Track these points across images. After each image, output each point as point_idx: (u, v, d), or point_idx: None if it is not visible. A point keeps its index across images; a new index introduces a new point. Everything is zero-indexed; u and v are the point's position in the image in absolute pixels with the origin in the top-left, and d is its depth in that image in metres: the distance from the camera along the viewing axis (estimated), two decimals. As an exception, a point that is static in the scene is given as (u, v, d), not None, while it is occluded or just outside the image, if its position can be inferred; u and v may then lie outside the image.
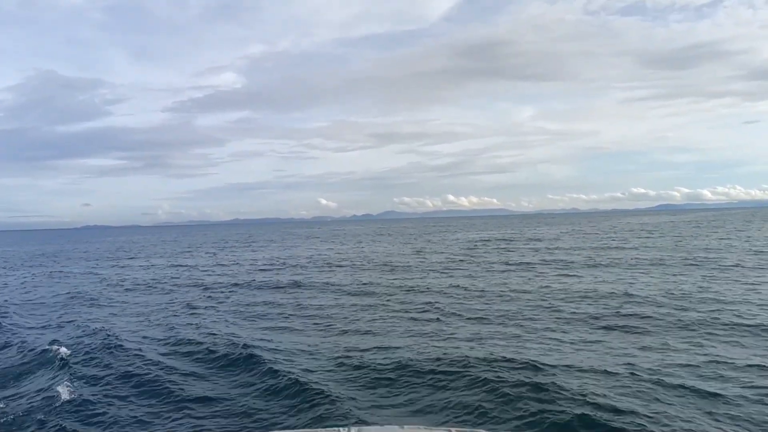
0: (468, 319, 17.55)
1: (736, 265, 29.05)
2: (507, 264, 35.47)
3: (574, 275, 27.94)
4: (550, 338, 14.42)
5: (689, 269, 28.26)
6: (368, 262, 41.20)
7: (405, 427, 2.62)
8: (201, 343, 15.21)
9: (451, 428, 2.56)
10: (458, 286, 25.42)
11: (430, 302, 21.01)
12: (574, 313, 17.62)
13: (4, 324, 19.73)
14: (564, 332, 15.10)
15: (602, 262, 33.84)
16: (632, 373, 10.91)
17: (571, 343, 13.87)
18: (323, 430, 2.58)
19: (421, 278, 29.47)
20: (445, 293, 23.32)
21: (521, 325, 16.12)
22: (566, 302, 19.70)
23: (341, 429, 2.57)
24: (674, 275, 26.16)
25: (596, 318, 16.69)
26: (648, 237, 61.88)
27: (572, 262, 34.72)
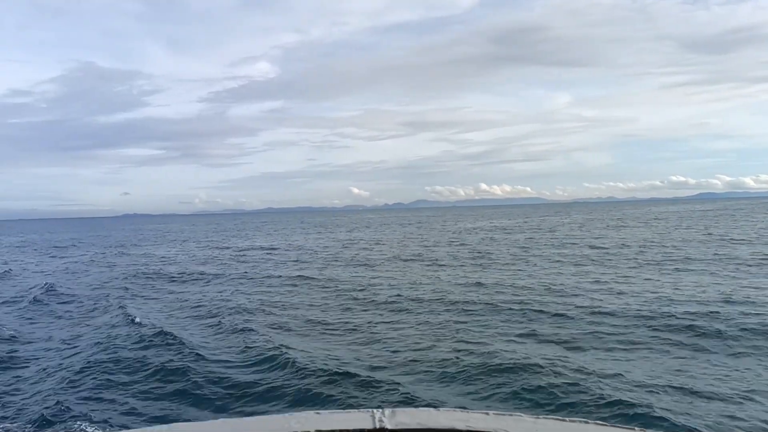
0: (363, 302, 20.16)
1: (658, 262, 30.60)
2: (468, 253, 37.69)
3: (510, 266, 30.12)
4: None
5: (623, 263, 29.97)
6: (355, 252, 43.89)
7: (441, 409, 2.45)
8: (222, 323, 16.61)
9: (488, 411, 2.36)
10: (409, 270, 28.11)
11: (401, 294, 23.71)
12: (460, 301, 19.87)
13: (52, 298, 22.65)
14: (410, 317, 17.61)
15: (562, 251, 35.76)
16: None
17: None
18: (357, 411, 2.42)
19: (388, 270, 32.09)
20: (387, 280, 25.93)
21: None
22: (466, 293, 22.06)
23: (375, 410, 2.39)
24: (590, 268, 28.08)
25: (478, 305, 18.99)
26: (635, 228, 62.76)
27: (513, 254, 36.68)
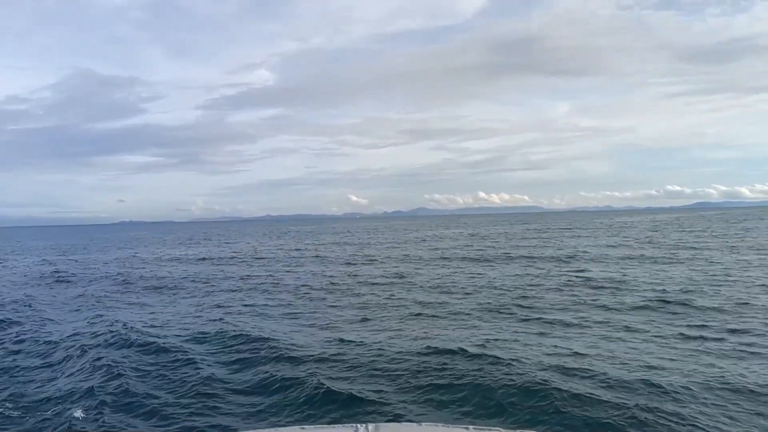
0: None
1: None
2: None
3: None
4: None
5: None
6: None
7: (423, 424, 2.54)
8: (216, 332, 15.11)
9: (468, 426, 2.38)
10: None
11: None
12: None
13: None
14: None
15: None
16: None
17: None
18: (341, 426, 2.49)
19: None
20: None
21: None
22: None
23: (359, 426, 2.45)
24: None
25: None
26: (570, 238, 60.30)
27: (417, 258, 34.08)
